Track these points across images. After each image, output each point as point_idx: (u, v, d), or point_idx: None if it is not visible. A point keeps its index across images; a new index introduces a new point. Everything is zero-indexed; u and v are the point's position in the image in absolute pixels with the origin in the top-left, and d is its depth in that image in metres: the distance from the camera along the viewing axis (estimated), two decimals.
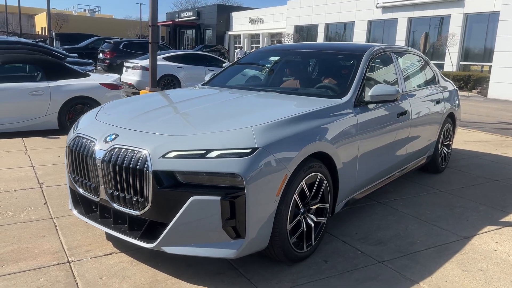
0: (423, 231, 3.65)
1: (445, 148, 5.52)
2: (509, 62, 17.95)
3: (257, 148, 2.56)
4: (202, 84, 4.50)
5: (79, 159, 2.91)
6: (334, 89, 3.78)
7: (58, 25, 48.25)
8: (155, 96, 3.98)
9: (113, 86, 7.70)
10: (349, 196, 3.53)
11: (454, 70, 21.19)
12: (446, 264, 3.08)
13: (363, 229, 3.62)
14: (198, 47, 34.85)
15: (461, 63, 21.71)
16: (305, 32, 32.39)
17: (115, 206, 2.74)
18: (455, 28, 21.57)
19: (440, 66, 22.11)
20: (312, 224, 3.02)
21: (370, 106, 3.67)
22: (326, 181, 3.09)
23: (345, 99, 3.51)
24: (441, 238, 3.51)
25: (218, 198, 2.45)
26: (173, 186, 2.52)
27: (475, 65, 21.29)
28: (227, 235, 2.53)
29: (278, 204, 2.67)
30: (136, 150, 2.61)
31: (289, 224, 2.78)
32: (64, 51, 14.45)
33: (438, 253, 3.24)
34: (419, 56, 5.25)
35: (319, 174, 3.00)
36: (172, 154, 2.55)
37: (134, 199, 2.61)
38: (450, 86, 5.80)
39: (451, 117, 5.54)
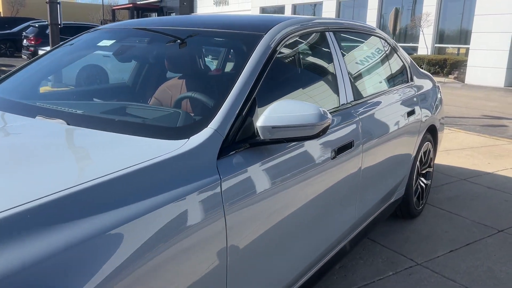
0: None
1: (422, 179, 3.61)
2: (488, 44, 16.28)
3: None
4: None
5: None
6: (184, 116, 1.75)
7: (14, 9, 44.25)
8: None
9: None
10: None
11: (429, 53, 19.45)
12: None
13: None
14: None
15: (436, 45, 19.96)
16: (271, 14, 30.21)
17: None
18: (429, 7, 19.74)
19: (414, 49, 20.33)
20: None
21: (266, 149, 1.69)
22: None
23: (196, 140, 1.49)
24: None
25: None
26: None
27: (451, 47, 19.58)
28: None
29: None
30: None
31: None
32: None
33: None
34: (380, 38, 3.27)
35: None
36: None
37: None
38: (429, 83, 3.86)
39: (431, 132, 3.62)
